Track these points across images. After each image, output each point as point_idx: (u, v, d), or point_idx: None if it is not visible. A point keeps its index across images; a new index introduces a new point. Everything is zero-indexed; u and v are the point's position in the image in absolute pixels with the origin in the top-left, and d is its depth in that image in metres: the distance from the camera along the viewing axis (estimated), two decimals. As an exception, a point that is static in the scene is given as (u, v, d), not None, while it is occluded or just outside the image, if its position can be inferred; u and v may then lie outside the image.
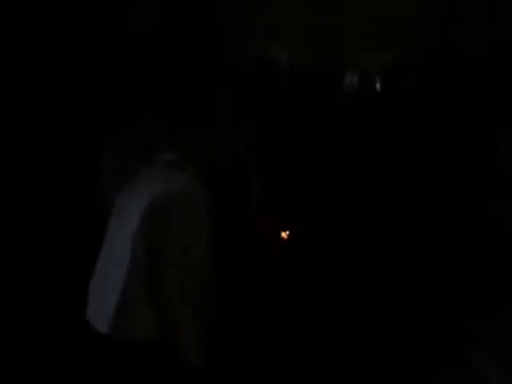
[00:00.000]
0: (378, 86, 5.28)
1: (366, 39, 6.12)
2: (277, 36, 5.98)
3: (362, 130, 4.46)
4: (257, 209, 3.70)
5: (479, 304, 3.63)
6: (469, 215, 3.81)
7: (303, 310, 3.84)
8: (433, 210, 3.90)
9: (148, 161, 2.58)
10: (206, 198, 2.48)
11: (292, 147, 4.29)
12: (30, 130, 4.38)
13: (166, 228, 2.37)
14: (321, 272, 3.90)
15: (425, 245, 3.82)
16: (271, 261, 3.86)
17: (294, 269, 3.91)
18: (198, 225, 2.46)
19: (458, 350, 3.57)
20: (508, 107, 4.08)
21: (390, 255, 3.91)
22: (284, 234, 3.96)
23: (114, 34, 5.20)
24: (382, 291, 3.87)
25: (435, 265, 3.76)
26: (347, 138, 4.39)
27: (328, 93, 5.21)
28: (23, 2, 5.20)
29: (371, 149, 4.27)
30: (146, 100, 3.88)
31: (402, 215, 3.97)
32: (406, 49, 5.78)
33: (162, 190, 2.40)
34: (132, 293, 2.41)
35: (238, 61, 5.48)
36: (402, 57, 5.65)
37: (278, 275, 3.87)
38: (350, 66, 5.92)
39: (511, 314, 3.55)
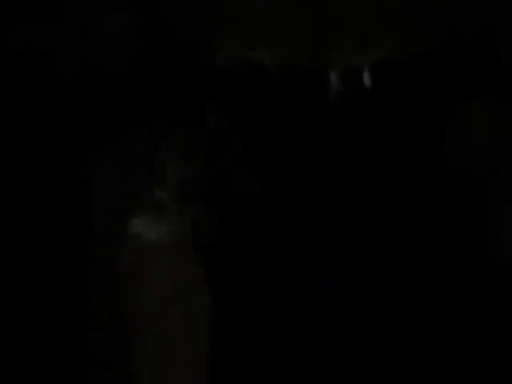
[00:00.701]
0: (377, 85, 5.28)
1: (364, 38, 6.13)
2: (275, 36, 5.99)
3: (362, 130, 4.46)
4: (257, 209, 3.69)
5: (480, 304, 3.64)
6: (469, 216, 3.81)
7: (305, 311, 3.83)
8: (433, 211, 3.90)
9: (134, 200, 2.42)
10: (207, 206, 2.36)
11: (292, 147, 4.29)
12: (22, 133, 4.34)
13: (136, 288, 2.11)
14: (324, 274, 3.89)
15: (429, 246, 3.82)
16: (273, 261, 3.86)
17: (296, 270, 3.90)
18: (181, 276, 2.21)
19: (459, 350, 3.58)
20: (507, 107, 4.07)
21: (392, 256, 3.90)
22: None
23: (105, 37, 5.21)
24: (385, 293, 3.86)
25: (439, 266, 3.76)
26: (349, 138, 4.39)
27: (326, 92, 5.22)
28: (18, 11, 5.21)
29: (373, 148, 4.27)
30: (142, 100, 3.87)
31: (402, 216, 3.97)
32: (405, 48, 5.79)
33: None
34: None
35: (236, 61, 5.49)
36: (399, 56, 5.65)
37: (279, 276, 3.86)
38: (347, 64, 5.93)
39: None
